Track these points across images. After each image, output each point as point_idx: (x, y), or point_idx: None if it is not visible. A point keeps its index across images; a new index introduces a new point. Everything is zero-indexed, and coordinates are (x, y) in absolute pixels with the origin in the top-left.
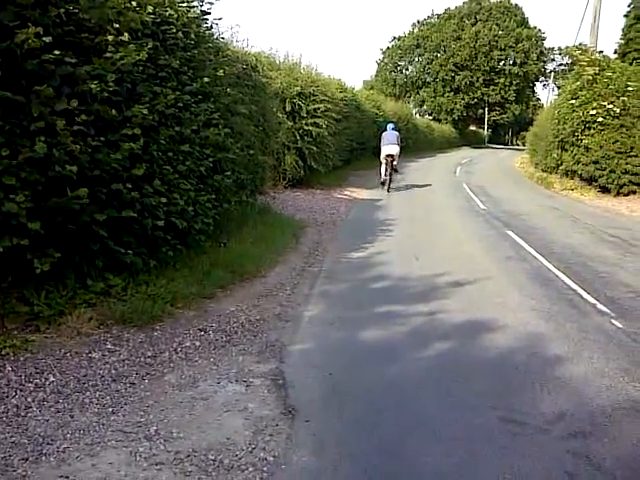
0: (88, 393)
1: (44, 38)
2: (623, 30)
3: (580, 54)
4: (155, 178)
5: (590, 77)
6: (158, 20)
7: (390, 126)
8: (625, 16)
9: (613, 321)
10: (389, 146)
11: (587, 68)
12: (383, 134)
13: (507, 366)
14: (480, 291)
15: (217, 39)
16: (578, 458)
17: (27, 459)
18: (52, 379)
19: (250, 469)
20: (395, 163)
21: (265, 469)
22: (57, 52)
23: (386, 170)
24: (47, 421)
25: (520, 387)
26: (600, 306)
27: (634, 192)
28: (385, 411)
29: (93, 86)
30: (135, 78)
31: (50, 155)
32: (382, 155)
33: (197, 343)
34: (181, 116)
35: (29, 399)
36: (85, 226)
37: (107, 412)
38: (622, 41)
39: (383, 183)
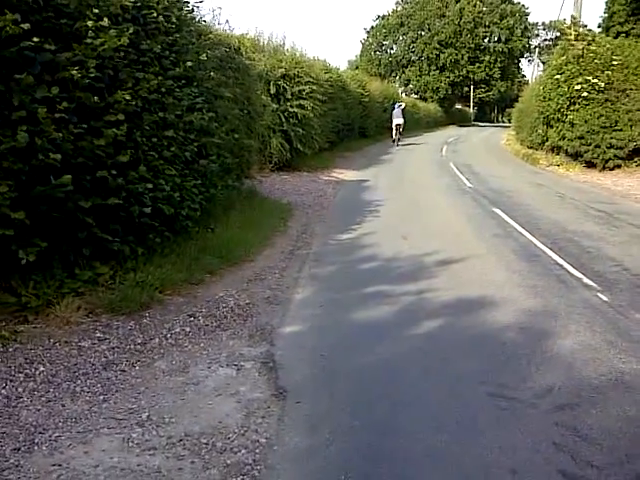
0: (79, 382)
1: (22, 25)
2: (607, 4)
3: (568, 28)
4: (140, 164)
5: (579, 52)
6: (138, 4)
7: (397, 105)
8: None
9: (599, 295)
10: (397, 118)
11: (574, 42)
12: (393, 111)
13: (495, 342)
14: (468, 269)
15: (199, 22)
16: (566, 430)
17: (19, 449)
18: (42, 369)
19: (243, 451)
20: (401, 129)
21: (257, 451)
22: (36, 39)
23: (396, 133)
24: (38, 410)
25: (508, 362)
26: (586, 280)
27: (619, 166)
28: (376, 389)
29: (74, 73)
30: (117, 64)
31: (33, 144)
32: (393, 124)
33: (187, 329)
34: (164, 101)
35: (19, 389)
36: (71, 214)
37: (98, 400)
38: (606, 15)
39: (394, 142)
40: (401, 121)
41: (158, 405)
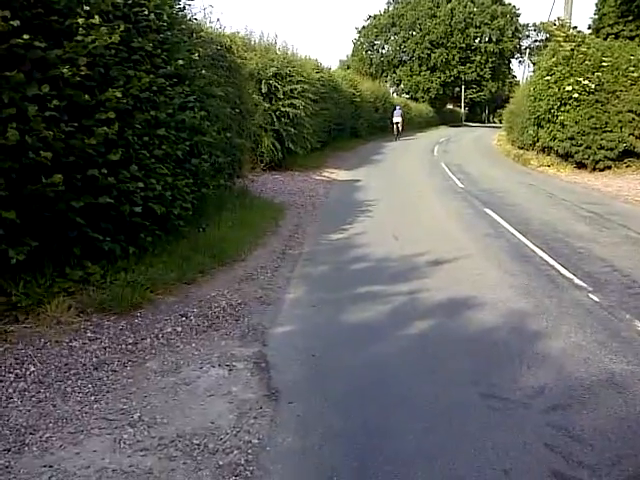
0: (70, 382)
1: (12, 22)
2: (597, 5)
3: (556, 29)
4: (131, 163)
5: (567, 53)
6: (130, 2)
7: (397, 107)
8: None
9: (590, 295)
10: (396, 117)
11: (564, 44)
12: (393, 112)
13: (487, 343)
14: (459, 269)
15: (190, 20)
16: (557, 430)
17: (9, 450)
18: (32, 369)
19: (235, 452)
20: (400, 127)
21: (250, 451)
22: (26, 36)
23: (396, 130)
24: (29, 411)
25: (500, 363)
26: (577, 281)
27: (609, 167)
28: (368, 390)
29: (65, 70)
30: (108, 61)
31: (23, 142)
32: (393, 122)
33: (179, 329)
34: (156, 100)
35: (10, 390)
36: (62, 214)
37: (89, 400)
38: (596, 16)
39: (395, 137)
40: (399, 119)
41: (150, 405)
